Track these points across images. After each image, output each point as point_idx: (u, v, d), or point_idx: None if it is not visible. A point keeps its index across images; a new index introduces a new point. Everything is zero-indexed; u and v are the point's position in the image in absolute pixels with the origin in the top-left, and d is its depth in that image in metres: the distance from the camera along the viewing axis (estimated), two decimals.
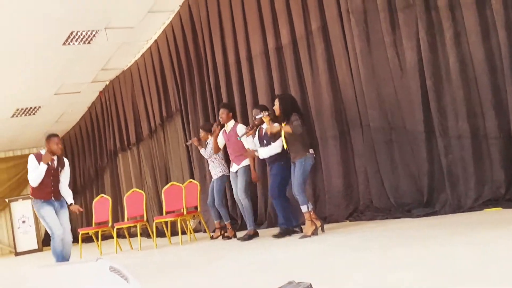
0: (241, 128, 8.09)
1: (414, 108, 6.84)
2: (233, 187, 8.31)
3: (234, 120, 8.37)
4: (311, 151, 6.94)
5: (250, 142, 7.71)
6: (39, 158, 7.43)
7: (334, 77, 7.92)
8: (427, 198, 6.76)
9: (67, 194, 7.67)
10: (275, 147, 7.34)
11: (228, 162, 8.79)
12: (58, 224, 7.36)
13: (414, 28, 6.75)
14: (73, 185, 19.41)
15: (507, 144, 6.08)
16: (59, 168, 7.59)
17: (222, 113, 8.28)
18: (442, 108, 6.55)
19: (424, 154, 6.77)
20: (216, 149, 8.53)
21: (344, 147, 7.88)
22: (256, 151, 7.63)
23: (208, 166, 9.20)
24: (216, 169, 8.87)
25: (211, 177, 9.20)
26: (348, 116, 7.80)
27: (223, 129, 8.41)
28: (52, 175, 7.49)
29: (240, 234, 8.58)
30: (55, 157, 7.54)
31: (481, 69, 6.21)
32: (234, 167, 8.21)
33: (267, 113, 7.21)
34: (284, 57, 8.71)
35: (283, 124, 6.95)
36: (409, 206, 6.90)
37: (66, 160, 7.78)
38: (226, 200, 9.79)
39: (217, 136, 8.46)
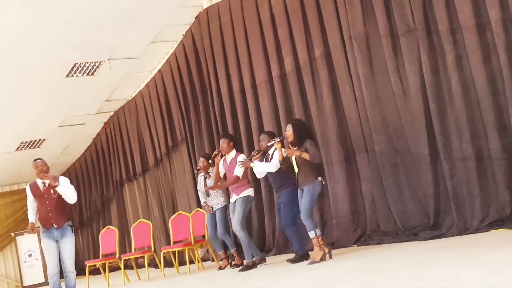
0: (242, 159, 8.03)
1: (418, 131, 7.00)
2: (230, 219, 8.23)
3: (236, 150, 8.24)
4: (319, 178, 7.04)
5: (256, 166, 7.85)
6: (32, 188, 7.30)
7: (339, 103, 8.09)
8: (433, 221, 6.89)
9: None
10: (272, 166, 7.45)
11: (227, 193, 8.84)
12: (53, 264, 7.21)
13: (416, 52, 6.95)
14: (79, 217, 19.57)
15: (511, 165, 6.23)
16: (52, 191, 7.24)
17: (223, 142, 8.18)
18: (446, 131, 6.72)
19: (429, 177, 6.92)
20: (218, 177, 8.32)
21: (350, 172, 8.02)
22: (252, 163, 7.68)
23: (207, 196, 9.14)
24: (219, 199, 8.92)
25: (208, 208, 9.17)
26: (353, 141, 7.95)
27: (224, 158, 8.27)
28: (47, 200, 7.24)
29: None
30: (45, 181, 7.26)
31: (484, 91, 6.39)
32: (233, 198, 8.08)
33: (278, 139, 7.29)
34: (289, 84, 8.90)
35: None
36: (416, 229, 7.02)
37: (61, 178, 7.34)
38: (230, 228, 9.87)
39: (218, 165, 8.28)
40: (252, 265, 7.85)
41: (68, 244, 7.28)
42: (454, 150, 6.66)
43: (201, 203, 9.46)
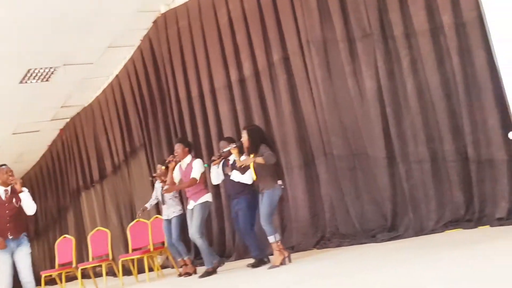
0: (199, 163, 8.03)
1: (375, 134, 7.24)
2: (188, 226, 8.13)
3: (191, 155, 8.22)
4: (279, 182, 7.13)
5: (214, 172, 7.91)
6: None
7: (297, 107, 8.28)
8: (390, 223, 7.13)
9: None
10: (247, 178, 7.53)
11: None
12: (6, 279, 6.91)
13: (372, 56, 7.19)
14: (35, 227, 19.30)
15: (465, 167, 6.53)
16: (15, 199, 7.02)
17: (178, 148, 8.14)
18: (402, 134, 6.98)
19: (386, 180, 7.16)
20: (172, 183, 8.21)
21: (309, 176, 8.20)
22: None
23: (163, 204, 9.14)
24: (175, 207, 8.87)
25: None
26: (312, 145, 8.13)
27: (179, 164, 8.20)
28: (7, 209, 6.98)
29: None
30: (8, 188, 7.03)
31: (437, 95, 6.67)
32: (191, 204, 8.05)
33: (234, 145, 7.37)
34: (247, 89, 9.04)
35: (251, 156, 7.08)
36: (374, 231, 7.24)
37: (24, 188, 7.15)
38: (185, 236, 9.88)
39: (173, 169, 8.17)
40: (212, 271, 7.89)
41: (24, 254, 7.03)
42: (410, 153, 6.91)
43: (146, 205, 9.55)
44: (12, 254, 6.99)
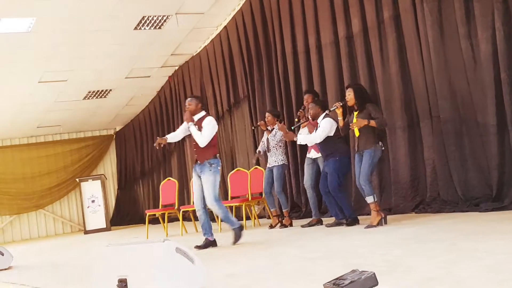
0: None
1: (486, 100, 6.67)
2: (306, 174, 8.32)
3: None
4: (380, 143, 6.92)
5: (303, 133, 7.82)
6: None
7: (405, 67, 7.80)
8: (496, 193, 6.58)
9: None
10: (316, 137, 7.40)
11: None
12: (195, 197, 7.33)
13: (490, 18, 6.57)
14: (141, 167, 19.86)
15: None
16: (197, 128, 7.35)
17: (308, 97, 8.22)
18: None
19: (495, 148, 6.60)
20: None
21: (413, 138, 7.77)
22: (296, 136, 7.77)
23: (268, 152, 8.99)
24: (278, 157, 8.78)
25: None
26: (418, 107, 7.67)
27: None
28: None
29: (301, 222, 8.66)
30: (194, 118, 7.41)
31: None
32: (313, 154, 8.19)
33: (341, 104, 7.20)
34: (355, 46, 8.63)
35: (354, 114, 6.95)
36: (477, 200, 6.76)
37: (206, 120, 7.43)
38: (286, 187, 9.78)
39: (308, 124, 8.01)
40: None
41: (206, 178, 7.24)
42: None
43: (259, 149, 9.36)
44: (199, 178, 7.33)
